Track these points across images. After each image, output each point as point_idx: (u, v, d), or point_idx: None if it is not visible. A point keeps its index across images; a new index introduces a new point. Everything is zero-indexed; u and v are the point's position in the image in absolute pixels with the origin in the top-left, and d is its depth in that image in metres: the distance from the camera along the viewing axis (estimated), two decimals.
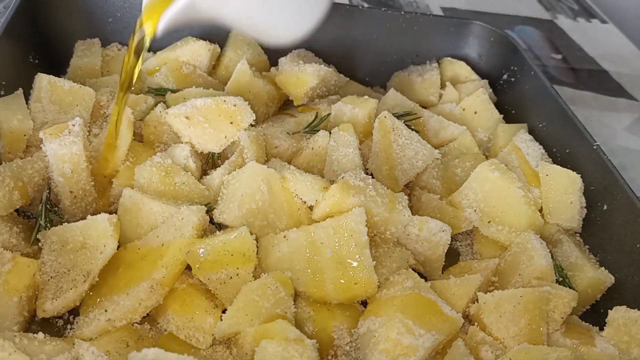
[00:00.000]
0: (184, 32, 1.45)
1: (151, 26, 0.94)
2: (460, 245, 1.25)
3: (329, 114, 1.32)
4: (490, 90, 1.52)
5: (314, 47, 1.51)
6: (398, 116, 1.29)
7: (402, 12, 1.54)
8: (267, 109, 1.35)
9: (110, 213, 1.03)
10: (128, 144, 1.13)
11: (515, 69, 1.51)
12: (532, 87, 1.46)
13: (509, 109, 1.49)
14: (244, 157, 1.15)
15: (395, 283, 1.01)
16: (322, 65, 1.37)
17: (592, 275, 1.12)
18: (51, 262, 0.98)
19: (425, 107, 1.42)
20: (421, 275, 1.07)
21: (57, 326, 0.98)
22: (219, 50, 1.41)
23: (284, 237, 1.03)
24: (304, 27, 0.99)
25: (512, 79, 1.52)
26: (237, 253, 0.99)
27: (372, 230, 1.07)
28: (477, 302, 1.03)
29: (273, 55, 1.46)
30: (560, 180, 1.22)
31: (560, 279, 1.11)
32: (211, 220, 1.07)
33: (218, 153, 1.19)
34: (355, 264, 1.00)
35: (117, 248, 1.00)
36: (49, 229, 1.02)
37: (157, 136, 1.21)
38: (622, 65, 2.04)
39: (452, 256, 1.17)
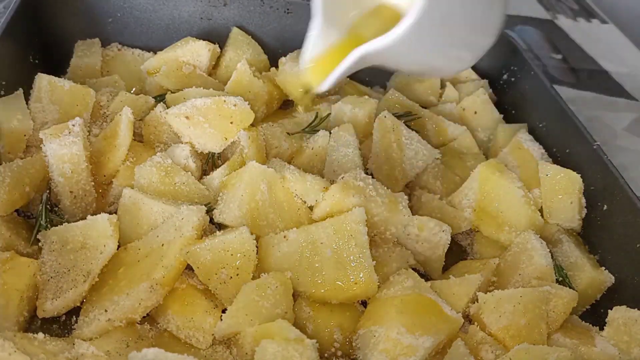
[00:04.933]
0: (184, 32, 1.46)
1: (317, 82, 0.92)
2: (460, 245, 1.25)
3: (329, 114, 1.32)
4: (490, 90, 1.52)
5: None
6: (398, 116, 1.29)
7: None
8: (267, 109, 1.35)
9: (110, 213, 1.04)
10: (128, 144, 1.13)
11: (515, 69, 1.51)
12: (532, 87, 1.46)
13: (509, 109, 1.49)
14: (244, 157, 1.15)
15: (395, 283, 1.02)
16: None
17: (592, 275, 1.12)
18: (51, 262, 0.98)
19: (425, 107, 1.42)
20: (421, 275, 1.07)
21: (57, 326, 0.98)
22: (219, 50, 1.41)
23: (284, 237, 1.03)
24: (472, 59, 0.98)
25: (512, 79, 1.52)
26: (237, 253, 0.99)
27: (372, 230, 1.07)
28: (477, 302, 1.03)
29: (273, 55, 1.46)
30: (560, 180, 1.22)
31: (560, 278, 1.11)
32: (211, 220, 1.07)
33: (218, 153, 1.19)
34: (355, 264, 1.00)
35: (117, 248, 1.00)
36: (49, 229, 1.02)
37: (157, 136, 1.21)
38: (622, 65, 2.04)
39: (452, 256, 1.17)
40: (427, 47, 0.83)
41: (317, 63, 0.92)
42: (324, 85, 0.90)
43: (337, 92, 1.43)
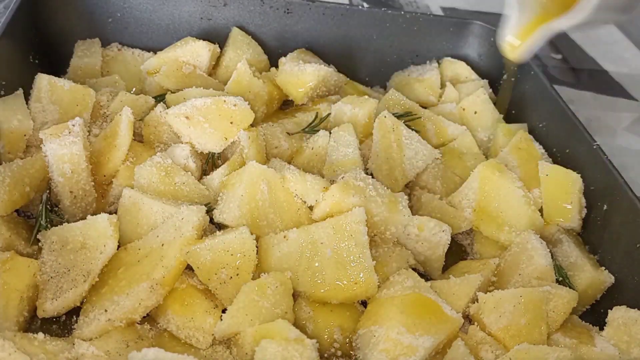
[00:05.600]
0: (184, 32, 1.46)
1: (515, 55, 1.15)
2: (460, 245, 1.25)
3: (329, 114, 1.32)
4: (490, 90, 1.52)
5: (314, 47, 1.52)
6: (398, 116, 1.29)
7: (402, 12, 1.54)
8: (267, 109, 1.35)
9: (110, 213, 1.04)
10: (128, 144, 1.13)
11: (516, 69, 1.51)
12: (532, 87, 1.46)
13: (509, 109, 1.49)
14: (244, 157, 1.15)
15: (395, 283, 1.02)
16: (322, 65, 1.37)
17: (592, 275, 1.12)
18: (51, 262, 0.98)
19: (425, 107, 1.42)
20: (421, 275, 1.07)
21: (57, 326, 0.98)
22: (219, 50, 1.41)
23: (284, 237, 1.03)
24: None
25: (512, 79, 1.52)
26: (237, 253, 0.99)
27: (372, 230, 1.07)
28: (477, 302, 1.03)
29: (273, 55, 1.46)
30: (560, 180, 1.22)
31: (560, 278, 1.11)
32: (211, 220, 1.07)
33: (218, 153, 1.19)
34: (355, 264, 1.00)
35: (117, 248, 1.00)
36: (49, 229, 1.02)
37: (157, 136, 1.21)
38: (622, 65, 2.04)
39: (452, 256, 1.17)
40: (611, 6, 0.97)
41: (516, 38, 1.11)
42: (523, 55, 1.12)
43: (337, 92, 1.44)
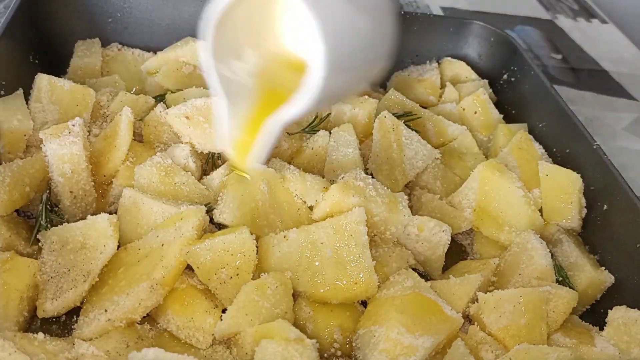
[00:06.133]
0: (184, 32, 1.45)
1: (243, 159, 0.93)
2: (460, 245, 1.25)
3: (329, 114, 1.32)
4: (490, 90, 1.52)
5: None
6: (398, 116, 1.29)
7: (402, 12, 1.54)
8: None
9: (110, 213, 1.04)
10: (128, 144, 1.13)
11: (515, 69, 1.51)
12: (532, 87, 1.46)
13: (509, 109, 1.49)
14: None
15: (395, 283, 1.02)
16: None
17: (592, 275, 1.12)
18: (51, 262, 0.98)
19: (425, 107, 1.42)
20: (421, 275, 1.06)
21: (57, 326, 0.98)
22: None
23: (284, 237, 1.03)
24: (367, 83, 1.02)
25: (512, 79, 1.52)
26: (237, 253, 0.99)
27: (372, 230, 1.07)
28: (477, 302, 1.03)
29: None
30: (560, 180, 1.22)
31: (560, 278, 1.11)
32: (211, 220, 1.07)
33: (218, 153, 1.19)
34: (355, 264, 1.00)
35: (117, 248, 1.00)
36: (49, 229, 1.02)
37: (157, 136, 1.21)
38: (622, 65, 2.04)
39: (452, 256, 1.17)
40: (332, 89, 0.83)
41: (240, 142, 0.91)
42: (256, 162, 0.91)
43: None
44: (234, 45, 0.88)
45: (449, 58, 1.56)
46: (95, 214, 1.01)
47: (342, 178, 1.09)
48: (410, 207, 1.14)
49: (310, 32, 0.75)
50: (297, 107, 0.81)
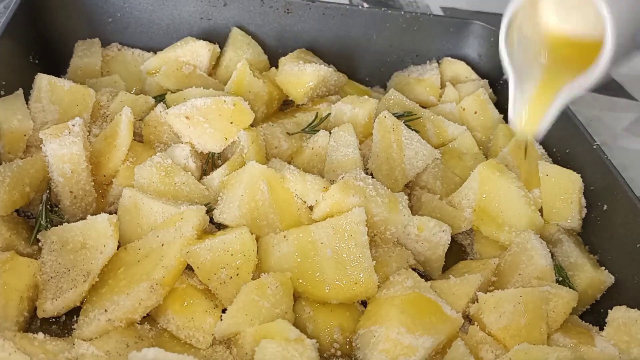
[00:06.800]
0: (184, 32, 1.46)
1: (531, 131, 1.03)
2: (460, 245, 1.25)
3: (329, 114, 1.32)
4: (490, 90, 1.52)
5: (314, 47, 1.52)
6: (398, 116, 1.29)
7: (402, 12, 1.54)
8: (267, 109, 1.35)
9: (110, 213, 1.04)
10: (128, 144, 1.13)
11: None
12: None
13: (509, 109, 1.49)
14: (244, 157, 1.15)
15: (395, 283, 1.02)
16: (322, 65, 1.37)
17: (592, 275, 1.12)
18: (51, 262, 0.98)
19: (425, 107, 1.42)
20: (421, 275, 1.07)
21: (57, 326, 0.98)
22: (219, 50, 1.41)
23: (284, 237, 1.03)
24: None
25: None
26: (237, 253, 0.99)
27: (372, 230, 1.07)
28: (477, 302, 1.03)
29: (273, 55, 1.46)
30: (560, 180, 1.22)
31: (560, 278, 1.11)
32: (211, 220, 1.07)
33: (218, 153, 1.19)
34: (355, 264, 1.00)
35: (117, 248, 1.00)
36: (49, 229, 1.02)
37: (157, 136, 1.21)
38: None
39: (452, 256, 1.17)
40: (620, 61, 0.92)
41: (527, 114, 1.02)
42: (541, 130, 1.01)
43: (337, 92, 1.44)
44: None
45: (449, 58, 1.56)
46: (95, 214, 1.01)
47: (342, 178, 1.09)
48: (410, 207, 1.14)
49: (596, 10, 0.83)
50: (589, 79, 0.89)
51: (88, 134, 1.15)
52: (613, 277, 1.14)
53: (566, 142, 1.32)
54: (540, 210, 1.22)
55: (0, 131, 1.10)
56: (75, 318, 0.96)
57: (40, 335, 0.88)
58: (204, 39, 1.38)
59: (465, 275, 1.07)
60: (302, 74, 1.33)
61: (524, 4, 0.96)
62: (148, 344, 0.93)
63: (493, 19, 1.46)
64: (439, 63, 1.56)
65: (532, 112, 1.01)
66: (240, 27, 1.47)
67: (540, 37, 0.98)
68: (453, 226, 1.16)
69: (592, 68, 0.87)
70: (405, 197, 1.13)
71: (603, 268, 1.15)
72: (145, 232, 1.03)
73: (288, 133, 1.29)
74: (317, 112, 1.33)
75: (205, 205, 1.06)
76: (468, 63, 1.55)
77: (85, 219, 1.01)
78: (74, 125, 1.08)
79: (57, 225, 1.02)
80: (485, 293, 1.04)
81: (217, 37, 1.44)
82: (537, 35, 0.98)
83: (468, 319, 1.05)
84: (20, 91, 1.19)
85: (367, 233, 1.02)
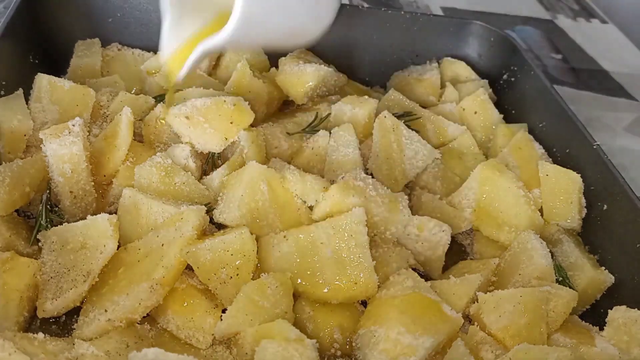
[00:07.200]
0: None
1: (175, 74, 1.04)
2: (460, 245, 1.25)
3: (329, 114, 1.32)
4: (490, 90, 1.52)
5: (314, 47, 1.51)
6: (398, 116, 1.29)
7: (402, 12, 1.54)
8: (267, 109, 1.35)
9: (110, 213, 1.04)
10: (128, 144, 1.13)
11: (515, 69, 1.51)
12: (532, 87, 1.46)
13: (509, 109, 1.49)
14: (244, 157, 1.15)
15: (395, 283, 1.02)
16: (322, 65, 1.37)
17: (592, 275, 1.12)
18: (51, 262, 0.98)
19: (425, 107, 1.42)
20: (421, 275, 1.06)
21: (57, 326, 0.98)
22: None
23: (284, 237, 1.03)
24: (320, 27, 1.09)
25: (512, 79, 1.52)
26: (237, 253, 0.99)
27: (372, 230, 1.07)
28: (477, 302, 1.03)
29: (273, 55, 1.46)
30: (560, 180, 1.22)
31: (560, 278, 1.11)
32: (211, 220, 1.07)
33: (218, 153, 1.19)
34: (355, 264, 1.00)
35: (117, 248, 1.00)
36: (49, 229, 1.02)
37: (157, 136, 1.21)
38: (622, 65, 2.04)
39: (452, 256, 1.17)
40: (260, 33, 0.95)
41: (176, 55, 1.02)
42: (180, 77, 1.01)
43: (337, 92, 1.44)
44: None
45: (449, 58, 1.56)
46: (95, 214, 1.01)
47: (342, 178, 1.09)
48: (410, 207, 1.14)
49: None
50: (218, 37, 0.91)
51: (88, 134, 1.15)
52: (613, 277, 1.14)
53: (566, 142, 1.32)
54: (540, 210, 1.22)
55: (0, 131, 1.10)
56: (75, 318, 0.96)
57: (40, 335, 0.88)
58: None
59: (465, 275, 1.07)
60: (302, 74, 1.33)
61: None
62: (148, 344, 0.93)
63: (493, 19, 1.47)
64: (439, 63, 1.56)
65: (181, 52, 1.02)
66: None
67: None
68: (453, 226, 1.16)
69: (226, 25, 0.90)
70: (405, 197, 1.13)
71: (603, 268, 1.15)
72: (145, 232, 1.03)
73: (288, 133, 1.29)
74: (317, 112, 1.33)
75: (205, 205, 1.06)
76: (468, 63, 1.55)
77: (85, 219, 1.01)
78: (74, 125, 1.08)
79: (57, 225, 1.02)
80: (485, 293, 1.03)
81: None
82: None
83: (468, 319, 1.05)
84: (20, 91, 1.19)
85: (367, 233, 1.02)
